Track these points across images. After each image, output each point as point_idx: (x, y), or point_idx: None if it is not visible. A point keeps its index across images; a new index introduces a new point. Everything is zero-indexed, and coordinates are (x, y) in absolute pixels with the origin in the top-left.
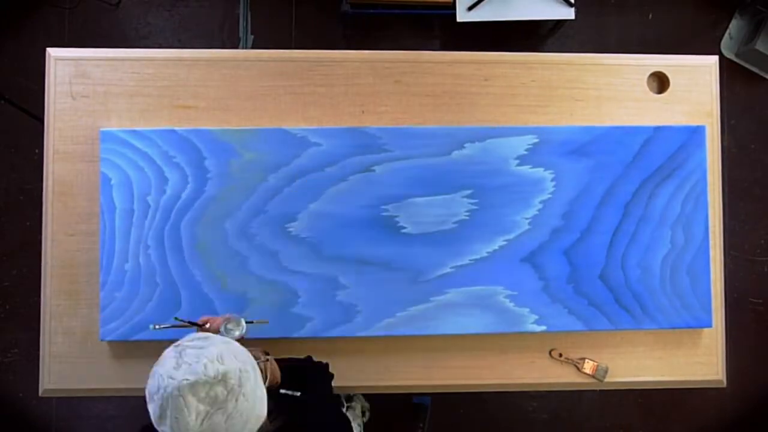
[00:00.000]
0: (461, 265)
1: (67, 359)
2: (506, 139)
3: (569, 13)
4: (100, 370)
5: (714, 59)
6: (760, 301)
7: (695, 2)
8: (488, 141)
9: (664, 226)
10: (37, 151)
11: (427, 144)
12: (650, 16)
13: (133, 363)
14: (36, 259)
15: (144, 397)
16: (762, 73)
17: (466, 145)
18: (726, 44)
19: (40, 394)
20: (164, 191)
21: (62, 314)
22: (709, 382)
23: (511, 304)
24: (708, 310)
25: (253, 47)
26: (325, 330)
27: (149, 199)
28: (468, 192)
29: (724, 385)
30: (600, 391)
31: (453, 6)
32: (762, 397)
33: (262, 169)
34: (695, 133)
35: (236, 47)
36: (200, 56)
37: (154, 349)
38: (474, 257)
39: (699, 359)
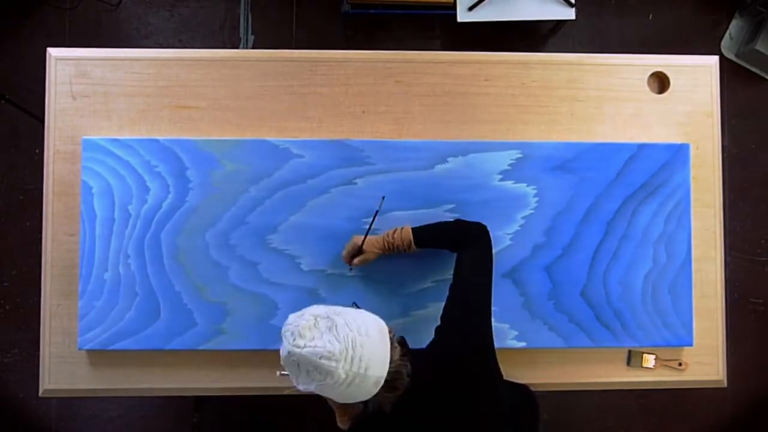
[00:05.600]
0: (442, 280)
1: (67, 359)
2: (489, 153)
3: (569, 13)
4: (100, 370)
5: (714, 59)
6: (760, 301)
7: (695, 2)
8: (471, 155)
9: (646, 243)
10: (37, 151)
11: (410, 157)
12: (650, 16)
13: (133, 363)
14: (36, 259)
15: (144, 398)
16: (762, 73)
17: (448, 159)
18: (726, 44)
19: (40, 394)
20: (145, 201)
21: (62, 314)
22: (709, 382)
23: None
24: (689, 329)
25: (253, 47)
26: None
27: (130, 208)
28: (450, 206)
29: (725, 385)
30: (600, 391)
31: (453, 6)
32: (762, 397)
33: (244, 180)
34: (679, 151)
35: (237, 47)
36: (200, 56)
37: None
38: None
39: (699, 359)
